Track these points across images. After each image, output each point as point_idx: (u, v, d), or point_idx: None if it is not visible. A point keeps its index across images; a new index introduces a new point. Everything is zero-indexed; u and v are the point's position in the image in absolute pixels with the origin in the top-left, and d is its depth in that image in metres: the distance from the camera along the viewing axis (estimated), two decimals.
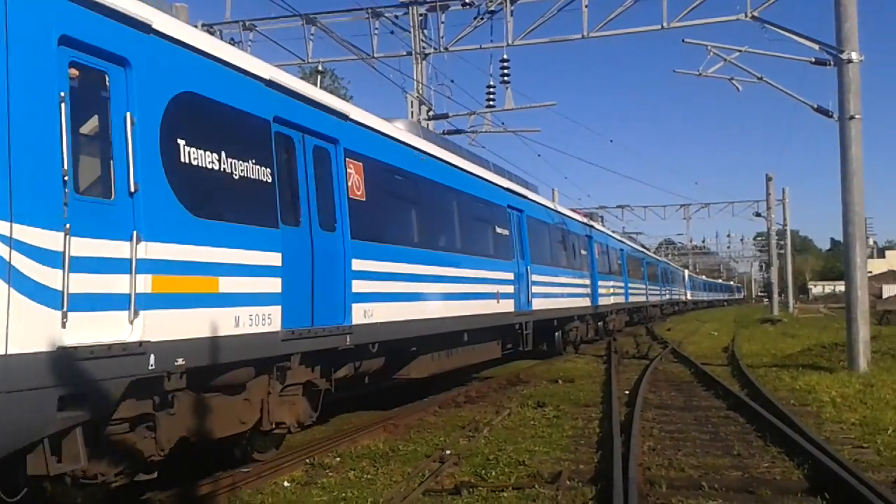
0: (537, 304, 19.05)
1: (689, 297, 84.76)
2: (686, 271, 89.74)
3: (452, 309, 13.54)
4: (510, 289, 16.96)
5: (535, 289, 18.89)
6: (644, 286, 44.98)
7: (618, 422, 11.09)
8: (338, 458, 9.73)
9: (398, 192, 12.07)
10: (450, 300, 13.49)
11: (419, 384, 14.54)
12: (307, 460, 9.51)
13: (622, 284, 35.43)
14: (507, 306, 16.66)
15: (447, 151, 15.06)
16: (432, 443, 10.66)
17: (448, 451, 9.86)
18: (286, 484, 8.58)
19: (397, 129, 12.68)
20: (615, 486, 7.33)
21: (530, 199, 20.52)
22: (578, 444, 10.45)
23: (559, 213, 24.30)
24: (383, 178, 11.44)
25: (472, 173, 15.96)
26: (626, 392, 15.11)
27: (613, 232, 39.51)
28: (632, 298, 38.67)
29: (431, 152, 13.78)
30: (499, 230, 16.95)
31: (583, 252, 26.66)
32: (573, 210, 30.25)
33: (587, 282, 26.75)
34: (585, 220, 29.18)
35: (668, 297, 61.84)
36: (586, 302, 26.09)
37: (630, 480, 7.52)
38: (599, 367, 21.26)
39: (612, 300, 31.74)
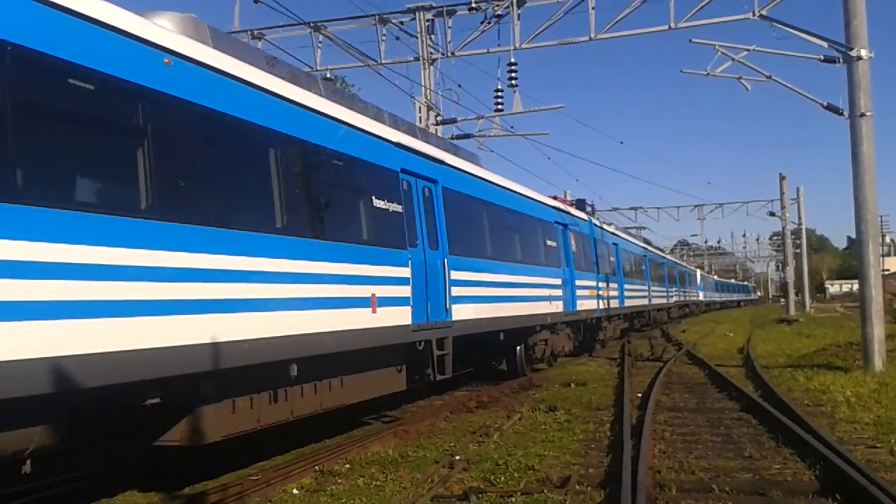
0: (464, 311, 14.15)
1: (701, 298, 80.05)
2: (699, 271, 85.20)
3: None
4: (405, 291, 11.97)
5: (457, 290, 13.90)
6: (646, 287, 40.21)
7: (629, 425, 11.03)
8: (347, 465, 9.72)
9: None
10: None
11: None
12: (317, 467, 9.51)
13: (616, 285, 30.14)
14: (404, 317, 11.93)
15: None
16: (442, 448, 10.63)
17: (458, 457, 9.82)
18: (295, 491, 8.58)
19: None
20: (623, 490, 7.28)
21: (450, 166, 14.87)
22: (589, 447, 10.40)
23: (508, 189, 18.41)
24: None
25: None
26: (639, 395, 15.03)
27: (606, 224, 32.66)
28: (630, 302, 33.51)
29: None
30: (383, 205, 11.71)
31: (549, 244, 21.06)
32: (563, 201, 25.19)
33: (557, 281, 21.18)
34: (557, 204, 23.75)
35: (676, 299, 57.37)
36: (556, 307, 20.96)
37: (639, 484, 7.48)
38: (613, 369, 21.16)
39: (598, 304, 25.81)
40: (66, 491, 8.58)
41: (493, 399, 15.76)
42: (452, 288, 13.64)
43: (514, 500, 7.82)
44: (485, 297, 15.33)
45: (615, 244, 31.73)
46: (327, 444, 11.20)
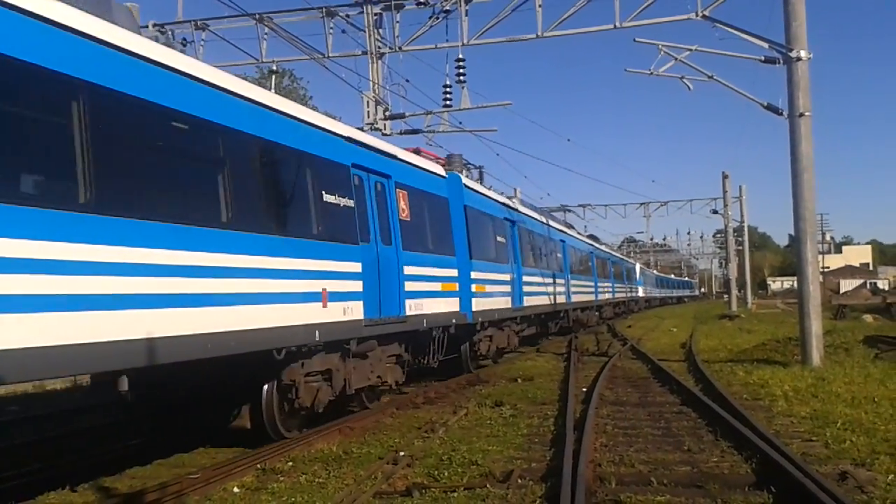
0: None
1: (640, 294, 72.91)
2: (638, 265, 77.17)
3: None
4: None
5: (412, 285, 14.12)
6: (563, 281, 30.90)
7: (572, 419, 11.13)
8: (290, 463, 9.63)
9: None
10: None
11: None
12: (259, 465, 9.40)
13: (507, 277, 21.23)
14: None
15: None
16: (387, 445, 10.60)
17: (402, 453, 9.80)
18: (236, 490, 8.46)
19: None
20: (563, 484, 7.33)
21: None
22: (532, 442, 10.46)
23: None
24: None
25: None
26: (584, 389, 15.17)
27: (491, 189, 22.99)
28: (531, 300, 24.10)
29: None
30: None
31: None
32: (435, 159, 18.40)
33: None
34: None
35: (608, 296, 48.05)
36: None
37: (579, 477, 7.53)
38: (559, 364, 21.33)
39: (448, 306, 16.29)
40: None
41: (441, 395, 15.77)
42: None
43: (456, 495, 7.82)
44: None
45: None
46: (271, 442, 11.05)
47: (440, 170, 17.33)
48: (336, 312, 11.16)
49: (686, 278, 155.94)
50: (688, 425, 11.24)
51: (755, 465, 8.50)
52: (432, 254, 15.55)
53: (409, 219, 14.41)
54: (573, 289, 33.16)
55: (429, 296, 14.91)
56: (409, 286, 13.93)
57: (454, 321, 16.51)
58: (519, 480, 8.18)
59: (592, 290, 40.24)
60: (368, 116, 22.98)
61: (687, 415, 12.12)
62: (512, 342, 22.36)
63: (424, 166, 16.16)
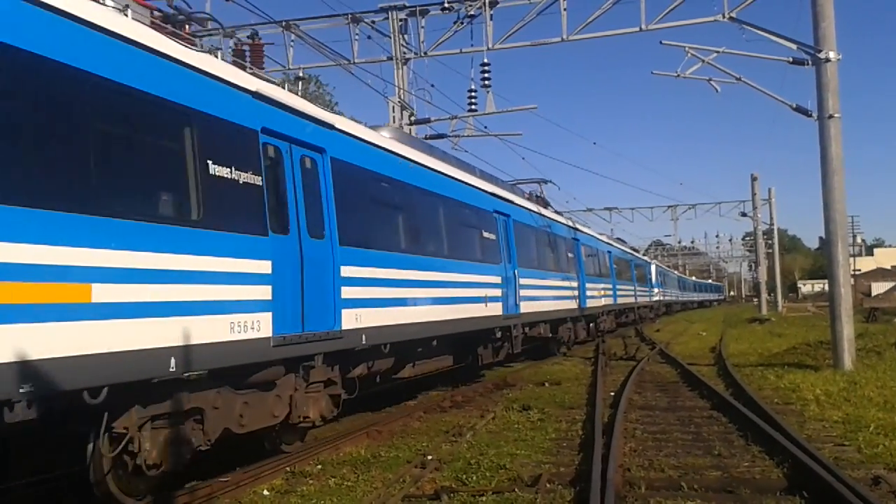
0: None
1: (656, 298, 59.00)
2: (654, 264, 62.70)
3: None
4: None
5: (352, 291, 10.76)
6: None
7: (601, 423, 11.07)
8: (319, 466, 9.69)
9: None
10: None
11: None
12: (288, 468, 9.47)
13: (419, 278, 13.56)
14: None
15: None
16: (415, 448, 10.63)
17: (430, 457, 9.82)
18: (265, 493, 8.53)
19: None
20: (592, 488, 7.31)
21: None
22: (561, 446, 10.43)
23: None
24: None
25: None
26: (612, 393, 15.10)
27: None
28: (455, 315, 14.67)
29: None
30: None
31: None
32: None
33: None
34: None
35: (603, 301, 33.33)
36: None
37: (608, 482, 7.51)
38: (587, 369, 21.25)
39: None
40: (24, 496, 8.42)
41: (468, 398, 15.78)
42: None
43: (485, 499, 7.83)
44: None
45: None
46: (299, 445, 11.12)
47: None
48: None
49: (710, 281, 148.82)
50: (718, 430, 11.15)
51: (786, 470, 8.41)
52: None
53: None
54: (562, 291, 24.61)
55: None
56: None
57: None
58: (547, 485, 8.16)
59: (596, 292, 31.22)
60: (394, 121, 23.09)
61: (717, 419, 12.02)
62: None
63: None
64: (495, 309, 17.10)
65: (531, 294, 20.40)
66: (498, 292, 17.38)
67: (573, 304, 26.18)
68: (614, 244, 41.92)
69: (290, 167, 9.82)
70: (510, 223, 19.26)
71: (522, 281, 19.40)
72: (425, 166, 14.37)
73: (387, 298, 11.90)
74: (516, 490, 8.03)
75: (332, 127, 11.01)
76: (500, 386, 17.77)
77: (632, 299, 44.90)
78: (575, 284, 26.63)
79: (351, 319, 10.68)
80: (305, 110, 10.42)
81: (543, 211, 24.46)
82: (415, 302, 12.96)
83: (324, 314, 10.11)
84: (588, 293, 28.95)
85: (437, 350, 14.96)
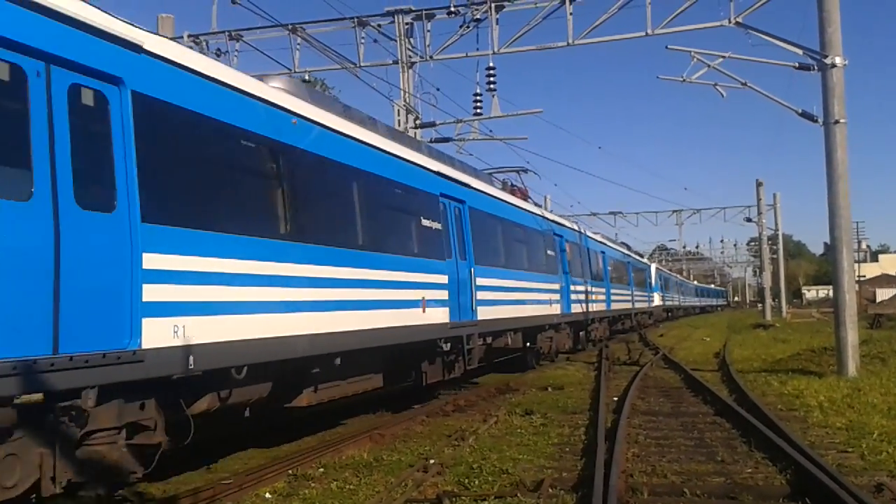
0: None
1: (656, 303, 55.91)
2: (654, 265, 59.02)
3: None
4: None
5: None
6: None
7: (603, 429, 11.05)
8: (321, 469, 9.67)
9: None
10: None
11: None
12: (290, 471, 9.46)
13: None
14: None
15: None
16: (417, 452, 10.61)
17: (432, 461, 9.80)
18: (267, 495, 8.52)
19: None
20: (595, 494, 7.30)
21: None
22: (563, 451, 10.42)
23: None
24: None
25: None
26: (615, 398, 15.08)
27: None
28: (370, 324, 11.61)
29: None
30: None
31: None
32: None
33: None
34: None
35: (600, 307, 31.40)
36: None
37: (611, 487, 7.49)
38: (590, 373, 21.22)
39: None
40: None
41: (470, 403, 15.76)
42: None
43: (486, 503, 7.81)
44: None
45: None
46: (302, 448, 11.14)
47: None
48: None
49: (711, 286, 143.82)
50: (721, 436, 11.12)
51: (790, 477, 8.39)
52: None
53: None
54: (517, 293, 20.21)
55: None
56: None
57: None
58: (550, 490, 8.14)
59: (581, 295, 27.68)
60: (399, 125, 23.10)
61: (720, 425, 11.99)
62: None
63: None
64: (438, 315, 14.04)
65: (494, 297, 17.41)
66: (443, 294, 14.33)
67: (554, 310, 23.09)
68: (609, 244, 38.64)
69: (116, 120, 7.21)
70: (464, 211, 16.27)
71: (481, 281, 16.44)
72: (334, 130, 11.31)
73: (243, 302, 8.65)
74: (518, 495, 8.02)
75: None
76: (502, 390, 17.76)
77: (628, 305, 41.76)
78: (556, 287, 23.56)
79: (162, 333, 7.41)
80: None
81: (514, 200, 21.09)
82: (297, 307, 9.68)
83: (102, 325, 6.84)
84: (573, 297, 25.99)
85: (352, 369, 11.72)
